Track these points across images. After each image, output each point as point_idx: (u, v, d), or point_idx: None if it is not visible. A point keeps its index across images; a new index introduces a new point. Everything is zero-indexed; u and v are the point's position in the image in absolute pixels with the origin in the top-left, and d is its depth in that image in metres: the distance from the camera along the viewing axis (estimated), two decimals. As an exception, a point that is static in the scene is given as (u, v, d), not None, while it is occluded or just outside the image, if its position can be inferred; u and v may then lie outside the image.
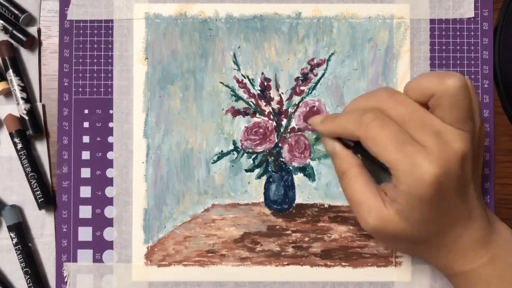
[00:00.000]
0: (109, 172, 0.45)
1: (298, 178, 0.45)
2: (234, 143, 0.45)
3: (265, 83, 0.46)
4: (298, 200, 0.45)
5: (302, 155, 0.45)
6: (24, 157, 0.44)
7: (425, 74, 0.36)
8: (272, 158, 0.45)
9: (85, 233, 0.45)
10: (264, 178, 0.45)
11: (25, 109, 0.45)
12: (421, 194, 0.34)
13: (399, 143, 0.34)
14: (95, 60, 0.46)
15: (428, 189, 0.33)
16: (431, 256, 0.38)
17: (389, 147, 0.34)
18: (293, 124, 0.45)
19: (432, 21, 0.46)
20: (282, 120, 0.45)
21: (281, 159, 0.45)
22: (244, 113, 0.46)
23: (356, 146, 0.39)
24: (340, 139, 0.40)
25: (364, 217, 0.37)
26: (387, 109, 0.35)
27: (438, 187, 0.33)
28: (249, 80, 0.46)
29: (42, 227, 0.45)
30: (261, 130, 0.45)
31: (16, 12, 0.45)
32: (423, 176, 0.33)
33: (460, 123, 0.35)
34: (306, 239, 0.45)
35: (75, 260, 0.45)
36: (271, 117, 0.45)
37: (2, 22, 0.45)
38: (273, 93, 0.46)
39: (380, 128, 0.35)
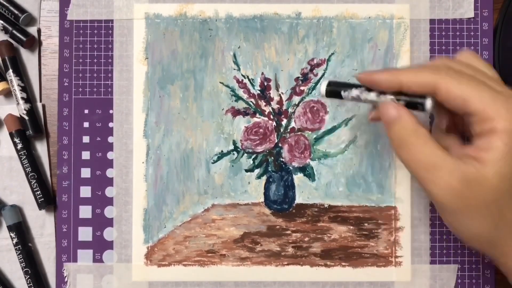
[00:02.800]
0: (109, 172, 0.45)
1: (298, 178, 0.45)
2: (234, 143, 0.45)
3: (265, 83, 0.46)
4: (298, 200, 0.45)
5: (302, 155, 0.45)
6: (24, 157, 0.44)
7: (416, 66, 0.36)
8: (272, 158, 0.45)
9: (85, 233, 0.45)
10: (264, 178, 0.45)
11: (25, 109, 0.45)
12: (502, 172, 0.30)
13: (484, 85, 0.32)
14: (95, 60, 0.46)
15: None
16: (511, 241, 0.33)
17: (479, 88, 0.32)
18: (293, 124, 0.45)
19: (432, 21, 0.46)
20: (282, 120, 0.45)
21: (281, 159, 0.45)
22: (244, 113, 0.46)
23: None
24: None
25: (445, 181, 0.32)
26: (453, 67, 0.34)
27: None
28: (249, 80, 0.46)
29: (42, 227, 0.45)
30: (261, 130, 0.45)
31: (16, 12, 0.45)
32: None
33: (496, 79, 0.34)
34: (306, 239, 0.45)
35: (75, 260, 0.45)
36: (271, 117, 0.45)
37: (2, 22, 0.45)
38: (273, 93, 0.46)
39: (460, 75, 0.33)
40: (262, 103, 0.46)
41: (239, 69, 0.46)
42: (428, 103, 0.33)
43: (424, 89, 0.33)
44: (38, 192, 0.44)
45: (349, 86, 0.37)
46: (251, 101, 0.46)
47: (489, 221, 0.32)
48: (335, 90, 0.38)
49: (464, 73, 0.33)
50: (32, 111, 0.45)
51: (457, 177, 0.31)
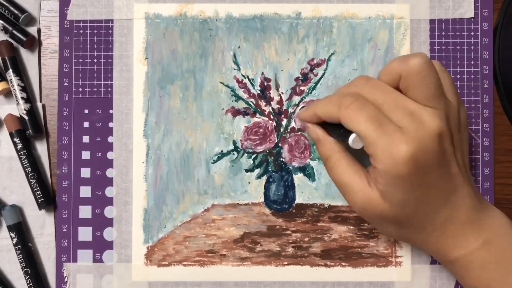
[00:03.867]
0: (109, 172, 0.45)
1: (298, 178, 0.45)
2: (234, 143, 0.45)
3: (265, 83, 0.46)
4: (298, 200, 0.45)
5: (302, 155, 0.45)
6: (24, 157, 0.44)
7: (394, 59, 0.37)
8: (272, 158, 0.45)
9: (85, 233, 0.45)
10: (264, 178, 0.45)
11: (25, 109, 0.45)
12: (398, 173, 0.34)
13: (378, 123, 0.35)
14: (95, 60, 0.46)
15: (404, 167, 0.34)
16: (424, 242, 0.38)
17: (369, 126, 0.35)
18: (293, 124, 0.45)
19: (432, 21, 0.46)
20: (282, 120, 0.45)
21: (281, 159, 0.45)
22: (244, 113, 0.46)
23: (337, 132, 0.39)
24: (323, 128, 0.40)
25: (352, 198, 0.37)
26: (364, 95, 0.36)
27: (415, 165, 0.34)
28: (249, 80, 0.46)
29: (42, 227, 0.45)
30: (261, 130, 0.45)
31: (16, 12, 0.45)
32: (399, 155, 0.34)
33: (432, 100, 0.35)
34: (306, 239, 0.45)
35: (75, 260, 0.45)
36: (271, 117, 0.45)
37: (2, 22, 0.45)
38: (273, 93, 0.46)
39: (359, 109, 0.35)
40: (262, 103, 0.46)
41: (239, 69, 0.46)
42: (350, 140, 0.36)
43: (332, 120, 0.37)
44: (38, 192, 0.44)
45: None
46: (251, 101, 0.46)
47: (392, 229, 0.38)
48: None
49: (364, 106, 0.35)
50: (32, 111, 0.45)
51: (361, 197, 0.37)
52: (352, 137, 0.36)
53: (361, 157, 0.39)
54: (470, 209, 0.36)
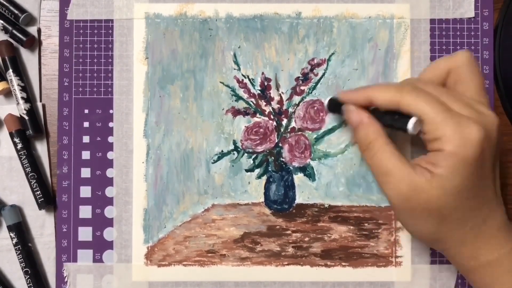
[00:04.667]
0: (109, 172, 0.45)
1: (298, 178, 0.45)
2: (234, 143, 0.45)
3: (265, 83, 0.46)
4: (298, 200, 0.45)
5: (302, 155, 0.45)
6: (24, 157, 0.44)
7: (438, 59, 0.39)
8: (272, 158, 0.45)
9: (85, 233, 0.45)
10: (264, 178, 0.45)
11: (25, 109, 0.45)
12: (467, 155, 0.34)
13: (444, 106, 0.35)
14: (95, 60, 0.46)
15: (474, 149, 0.34)
16: (459, 242, 0.37)
17: (437, 107, 0.35)
18: (294, 124, 0.45)
19: (432, 21, 0.46)
20: (283, 120, 0.45)
21: (281, 159, 0.45)
22: (244, 113, 0.46)
23: (387, 120, 0.38)
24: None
25: (395, 186, 0.36)
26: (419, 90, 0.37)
27: (482, 150, 0.34)
28: (249, 80, 0.46)
29: (42, 227, 0.45)
30: (261, 130, 0.45)
31: (16, 12, 0.45)
32: (470, 136, 0.34)
33: (480, 94, 0.37)
34: (306, 239, 0.45)
35: (75, 260, 0.45)
36: (271, 117, 0.45)
37: (2, 22, 0.45)
38: (273, 93, 0.46)
39: (422, 94, 0.36)
40: (263, 103, 0.46)
41: (239, 69, 0.46)
42: (410, 125, 0.36)
43: (389, 104, 0.37)
44: (38, 192, 0.44)
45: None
46: (251, 101, 0.46)
47: (431, 224, 0.36)
48: (336, 104, 0.41)
49: (426, 92, 0.36)
50: (32, 111, 0.45)
51: (406, 184, 0.35)
52: (413, 120, 0.35)
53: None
54: (504, 215, 0.37)
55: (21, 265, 0.44)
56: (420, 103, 0.35)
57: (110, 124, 0.45)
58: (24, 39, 0.45)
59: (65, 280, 0.45)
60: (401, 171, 0.36)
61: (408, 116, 0.36)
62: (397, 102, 0.36)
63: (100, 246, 0.45)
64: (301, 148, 0.45)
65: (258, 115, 0.45)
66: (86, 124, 0.45)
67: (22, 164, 0.44)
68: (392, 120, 0.37)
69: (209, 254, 0.45)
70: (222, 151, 0.45)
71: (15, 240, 0.44)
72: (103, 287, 0.45)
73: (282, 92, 0.46)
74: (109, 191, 0.45)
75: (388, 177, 0.36)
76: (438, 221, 0.36)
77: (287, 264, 0.45)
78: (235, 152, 0.45)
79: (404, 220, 0.38)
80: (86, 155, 0.45)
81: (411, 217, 0.37)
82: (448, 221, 0.36)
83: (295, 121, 0.45)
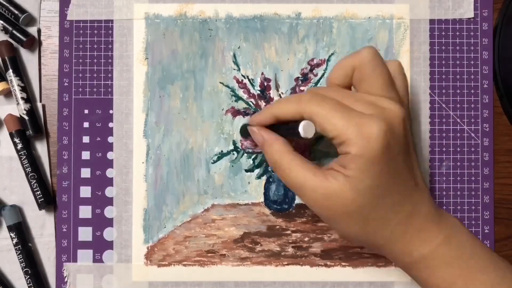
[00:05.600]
0: (109, 172, 0.45)
1: (298, 178, 0.45)
2: (234, 143, 0.46)
3: (265, 83, 0.46)
4: (298, 200, 0.45)
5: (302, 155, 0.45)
6: (24, 157, 0.44)
7: (343, 57, 0.39)
8: (272, 158, 0.45)
9: (85, 233, 0.45)
10: (264, 178, 0.45)
11: (25, 109, 0.45)
12: (372, 153, 0.34)
13: (343, 110, 0.35)
14: (95, 60, 0.46)
15: (377, 146, 0.34)
16: (389, 240, 0.37)
17: (336, 114, 0.35)
18: (293, 124, 0.45)
19: (431, 21, 0.46)
20: (282, 120, 0.45)
21: (281, 159, 0.45)
22: (244, 113, 0.46)
23: (284, 131, 0.38)
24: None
25: (310, 196, 0.36)
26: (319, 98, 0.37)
27: (386, 144, 0.34)
28: (249, 80, 0.46)
29: (42, 227, 0.45)
30: (261, 130, 0.45)
31: (16, 12, 0.45)
32: (371, 134, 0.34)
33: (386, 90, 0.36)
34: (306, 239, 0.45)
35: (75, 260, 0.45)
36: (271, 117, 0.45)
37: (2, 22, 0.45)
38: (273, 93, 0.46)
39: (321, 101, 0.36)
40: (262, 103, 0.46)
41: (239, 69, 0.46)
42: (301, 130, 0.35)
43: (293, 117, 0.37)
44: (38, 192, 0.44)
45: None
46: (251, 101, 0.46)
47: (355, 227, 0.36)
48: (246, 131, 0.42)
49: (325, 98, 0.36)
50: (32, 111, 0.45)
51: (321, 194, 0.35)
52: (302, 125, 0.35)
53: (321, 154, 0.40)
54: (430, 205, 0.37)
55: (21, 265, 0.44)
56: (320, 110, 0.35)
57: (110, 124, 0.45)
58: (24, 39, 0.45)
59: (65, 280, 0.45)
60: (313, 181, 0.36)
61: (299, 121, 0.35)
62: (299, 113, 0.36)
63: (100, 246, 0.45)
64: (301, 149, 0.45)
65: (258, 115, 0.45)
66: (86, 124, 0.45)
67: (22, 164, 0.44)
68: (286, 130, 0.38)
69: (209, 254, 0.45)
70: (222, 151, 0.45)
71: (15, 240, 0.44)
72: (103, 287, 0.45)
73: (282, 93, 0.46)
74: (109, 191, 0.45)
75: (303, 190, 0.36)
76: (361, 223, 0.36)
77: (287, 264, 0.45)
78: (234, 152, 0.45)
79: (331, 226, 0.39)
80: (86, 155, 0.45)
81: (335, 223, 0.37)
82: (371, 221, 0.36)
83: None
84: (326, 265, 0.45)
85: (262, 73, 0.46)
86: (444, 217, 0.38)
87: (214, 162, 0.45)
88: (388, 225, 0.36)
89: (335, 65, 0.38)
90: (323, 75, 0.46)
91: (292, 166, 0.37)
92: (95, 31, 0.46)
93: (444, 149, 0.45)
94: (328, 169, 0.36)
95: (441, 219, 0.37)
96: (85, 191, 0.45)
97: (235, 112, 0.46)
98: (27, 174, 0.44)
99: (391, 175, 0.35)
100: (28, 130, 0.45)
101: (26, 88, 0.45)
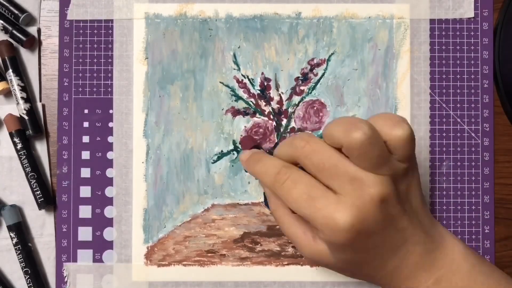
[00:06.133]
0: (109, 172, 0.45)
1: (298, 178, 0.45)
2: (234, 143, 0.45)
3: (265, 83, 0.46)
4: (298, 200, 0.45)
5: (302, 155, 0.45)
6: (24, 157, 0.44)
7: (336, 122, 0.35)
8: (272, 158, 0.45)
9: (85, 233, 0.45)
10: (264, 178, 0.45)
11: (25, 109, 0.45)
12: (340, 243, 0.34)
13: (311, 199, 0.34)
14: (95, 60, 0.46)
15: (345, 237, 0.33)
16: (380, 282, 0.37)
17: (302, 204, 0.34)
18: (293, 124, 0.45)
19: (432, 21, 0.46)
20: (282, 120, 0.45)
21: (281, 159, 0.45)
22: (244, 113, 0.46)
23: None
24: None
25: (300, 249, 0.37)
26: (303, 159, 0.35)
27: (356, 233, 0.33)
28: (249, 80, 0.46)
29: (42, 227, 0.45)
30: (261, 130, 0.45)
31: (16, 12, 0.45)
32: (337, 227, 0.33)
33: (374, 169, 0.33)
34: (306, 239, 0.45)
35: (75, 260, 0.45)
36: (271, 117, 0.45)
37: (2, 22, 0.45)
38: (273, 93, 0.46)
39: (292, 186, 0.35)
40: (262, 103, 0.46)
41: (239, 69, 0.46)
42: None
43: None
44: (38, 192, 0.44)
45: None
46: (251, 101, 0.46)
47: (347, 274, 0.38)
48: None
49: (299, 181, 0.35)
50: (32, 111, 0.45)
51: (308, 252, 0.37)
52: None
53: None
54: (421, 254, 0.36)
55: (21, 265, 0.44)
56: (290, 198, 0.35)
57: (110, 124, 0.45)
58: (24, 39, 0.45)
59: (65, 280, 0.45)
60: (302, 240, 0.37)
61: None
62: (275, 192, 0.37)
63: (100, 246, 0.45)
64: (301, 148, 0.45)
65: (257, 115, 0.45)
66: (86, 124, 0.45)
67: (22, 164, 0.44)
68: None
69: (209, 254, 0.45)
70: (222, 151, 0.45)
71: (15, 240, 0.44)
72: (103, 287, 0.45)
73: (282, 92, 0.46)
74: (109, 191, 0.45)
75: (293, 241, 0.38)
76: (349, 274, 0.38)
77: (287, 264, 0.45)
78: (234, 152, 0.45)
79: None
80: (86, 155, 0.45)
81: (328, 268, 0.39)
82: (361, 272, 0.37)
83: (294, 121, 0.45)
84: (326, 265, 0.45)
85: (262, 73, 0.46)
86: (441, 256, 0.36)
87: (214, 162, 0.45)
88: (372, 279, 0.37)
89: (327, 130, 0.35)
90: (323, 74, 0.46)
91: (285, 222, 0.38)
92: (95, 31, 0.46)
93: (444, 149, 0.45)
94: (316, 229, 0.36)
95: (436, 262, 0.36)
96: (85, 191, 0.45)
97: (235, 112, 0.46)
98: (27, 174, 0.44)
99: (367, 250, 0.35)
100: (28, 130, 0.45)
101: (26, 88, 0.45)
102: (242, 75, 0.46)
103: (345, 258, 0.35)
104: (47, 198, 0.45)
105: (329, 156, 0.34)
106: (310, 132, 0.36)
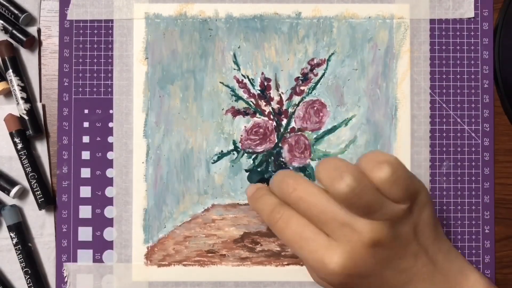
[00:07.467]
0: (109, 172, 0.45)
1: (298, 178, 0.45)
2: (234, 143, 0.45)
3: (265, 83, 0.46)
4: (298, 200, 0.45)
5: (302, 155, 0.45)
6: (24, 157, 0.44)
7: (323, 165, 0.33)
8: (272, 158, 0.45)
9: (85, 233, 0.45)
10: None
11: (25, 109, 0.45)
12: (334, 283, 0.34)
13: (302, 240, 0.33)
14: (95, 60, 0.46)
15: (337, 280, 0.33)
16: None
17: (294, 245, 0.34)
18: (293, 124, 0.45)
19: (432, 21, 0.46)
20: (282, 120, 0.45)
21: (281, 159, 0.45)
22: (244, 113, 0.46)
23: None
24: None
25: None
26: (292, 204, 0.34)
27: (347, 277, 0.33)
28: (249, 80, 0.46)
29: (42, 227, 0.45)
30: (261, 130, 0.45)
31: (16, 12, 0.45)
32: (328, 271, 0.33)
33: (366, 215, 0.32)
34: (306, 239, 0.45)
35: (75, 260, 0.45)
36: (271, 117, 0.45)
37: (2, 22, 0.45)
38: (273, 93, 0.46)
39: (284, 226, 0.34)
40: (262, 103, 0.46)
41: (239, 69, 0.46)
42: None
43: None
44: (38, 192, 0.44)
45: None
46: (251, 101, 0.46)
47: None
48: None
49: (291, 221, 0.34)
50: (32, 111, 0.45)
51: (316, 281, 0.36)
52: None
53: None
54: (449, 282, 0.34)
55: (21, 265, 0.44)
56: (283, 237, 0.34)
57: (110, 124, 0.45)
58: (24, 39, 0.45)
59: (65, 280, 0.45)
60: (308, 269, 0.36)
61: None
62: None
63: (100, 246, 0.45)
64: (301, 148, 0.45)
65: (258, 115, 0.45)
66: (86, 124, 0.45)
67: (22, 164, 0.44)
68: None
69: (209, 254, 0.45)
70: (222, 151, 0.45)
71: (15, 240, 0.44)
72: (103, 287, 0.45)
73: (282, 92, 0.46)
74: (109, 191, 0.45)
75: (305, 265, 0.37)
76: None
77: (287, 264, 0.45)
78: (235, 152, 0.45)
79: None
80: (86, 155, 0.45)
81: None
82: None
83: (294, 121, 0.45)
84: (326, 265, 0.45)
85: (262, 73, 0.46)
86: None
87: (214, 162, 0.45)
88: None
89: (318, 173, 0.33)
90: (323, 74, 0.46)
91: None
92: (95, 31, 0.46)
93: (444, 149, 0.45)
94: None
95: None
96: (85, 191, 0.45)
97: (235, 112, 0.46)
98: (27, 174, 0.44)
99: (366, 285, 0.34)
100: (28, 130, 0.45)
101: (26, 88, 0.45)
102: (242, 75, 0.46)
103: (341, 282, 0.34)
104: (47, 198, 0.45)
105: (315, 203, 0.33)
106: (298, 174, 0.35)
